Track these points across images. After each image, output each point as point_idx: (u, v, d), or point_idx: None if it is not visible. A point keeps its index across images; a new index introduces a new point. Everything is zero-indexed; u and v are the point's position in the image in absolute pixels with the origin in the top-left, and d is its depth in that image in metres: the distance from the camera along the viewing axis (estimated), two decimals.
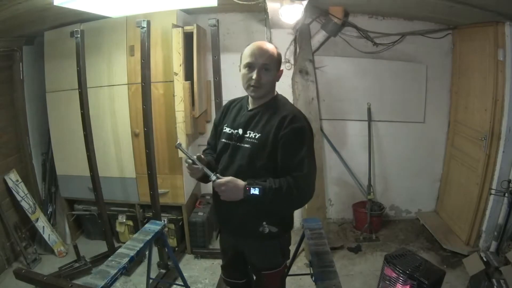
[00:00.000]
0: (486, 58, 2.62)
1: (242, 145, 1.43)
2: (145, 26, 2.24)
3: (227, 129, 1.51)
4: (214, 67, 2.47)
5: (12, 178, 2.85)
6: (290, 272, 1.95)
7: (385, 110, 3.22)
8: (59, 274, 2.61)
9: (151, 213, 2.68)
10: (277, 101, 1.47)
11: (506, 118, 2.47)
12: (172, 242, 2.97)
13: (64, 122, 2.90)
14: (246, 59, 1.39)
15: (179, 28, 2.48)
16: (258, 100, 1.46)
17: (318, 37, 3.02)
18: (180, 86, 2.51)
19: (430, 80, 3.15)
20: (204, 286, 2.60)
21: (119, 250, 1.69)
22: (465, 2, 2.13)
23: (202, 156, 1.46)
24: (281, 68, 1.46)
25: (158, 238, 2.00)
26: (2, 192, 2.79)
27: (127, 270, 1.63)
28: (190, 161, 1.39)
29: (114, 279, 1.49)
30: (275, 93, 1.50)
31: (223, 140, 1.51)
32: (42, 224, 2.93)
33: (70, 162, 2.94)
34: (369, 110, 3.17)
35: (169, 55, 2.56)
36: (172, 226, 2.93)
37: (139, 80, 2.38)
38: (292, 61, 3.08)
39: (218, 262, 2.78)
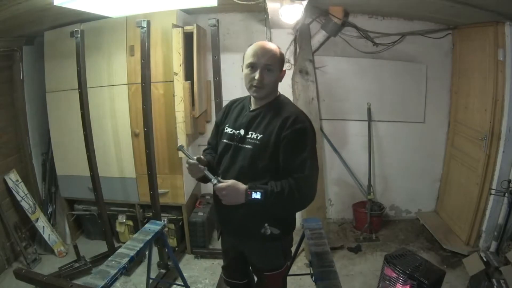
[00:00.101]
0: (486, 58, 2.62)
1: (244, 146, 1.41)
2: (145, 26, 2.24)
3: (228, 130, 1.49)
4: (214, 67, 2.47)
5: (12, 178, 2.85)
6: (290, 272, 1.94)
7: (385, 110, 3.22)
8: (59, 274, 2.61)
9: (151, 213, 2.68)
10: (279, 102, 1.45)
11: (506, 118, 2.47)
12: (172, 242, 2.97)
13: (64, 122, 2.90)
14: (248, 59, 1.37)
15: (179, 28, 2.48)
16: (261, 101, 1.44)
17: (318, 37, 3.02)
18: (180, 86, 2.51)
19: (430, 80, 3.15)
20: (204, 286, 2.60)
21: (119, 250, 1.69)
22: (465, 2, 2.13)
23: (202, 157, 1.46)
24: (284, 69, 1.45)
25: (158, 238, 2.00)
26: (2, 192, 2.79)
27: (127, 270, 1.63)
28: (191, 161, 1.38)
29: (114, 279, 1.49)
30: (278, 93, 1.48)
31: (225, 140, 1.49)
32: (42, 224, 2.93)
33: (70, 162, 2.94)
34: (369, 110, 3.17)
35: (169, 55, 2.56)
36: (172, 226, 2.93)
37: (139, 80, 2.38)
38: (292, 61, 3.08)
39: (218, 262, 2.79)
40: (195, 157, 1.41)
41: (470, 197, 2.78)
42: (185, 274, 2.36)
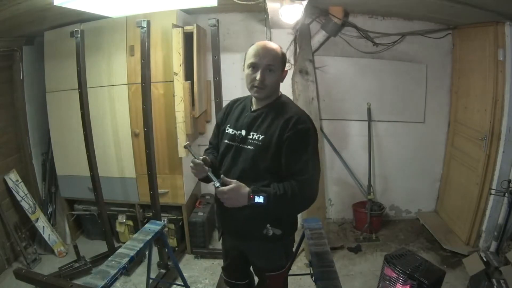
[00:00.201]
0: (486, 58, 2.62)
1: (245, 146, 1.40)
2: (145, 26, 2.24)
3: (229, 130, 1.48)
4: (214, 67, 2.47)
5: (12, 178, 2.85)
6: (290, 272, 1.94)
7: (385, 110, 3.22)
8: (59, 274, 2.61)
9: (151, 213, 2.68)
10: (281, 102, 1.44)
11: (506, 118, 2.47)
12: (172, 242, 2.97)
13: (64, 122, 2.90)
14: (250, 59, 1.36)
15: (179, 28, 2.47)
16: (262, 101, 1.43)
17: (318, 37, 3.02)
18: (180, 86, 2.51)
19: (430, 80, 3.15)
20: (204, 286, 2.60)
21: (119, 250, 1.69)
22: (465, 2, 2.13)
23: (207, 158, 1.45)
24: (285, 69, 1.43)
25: (158, 238, 1.99)
26: (2, 192, 2.79)
27: (127, 270, 1.63)
28: (196, 161, 1.37)
29: (114, 279, 1.48)
30: (280, 93, 1.47)
31: (226, 141, 1.48)
32: (42, 224, 2.93)
33: (70, 162, 2.94)
34: (369, 110, 3.17)
35: (169, 55, 2.56)
36: (172, 226, 2.93)
37: (139, 80, 2.38)
38: (292, 61, 3.08)
39: (218, 262, 2.78)
40: (200, 157, 1.39)
41: (470, 197, 2.78)
42: (185, 274, 2.36)
